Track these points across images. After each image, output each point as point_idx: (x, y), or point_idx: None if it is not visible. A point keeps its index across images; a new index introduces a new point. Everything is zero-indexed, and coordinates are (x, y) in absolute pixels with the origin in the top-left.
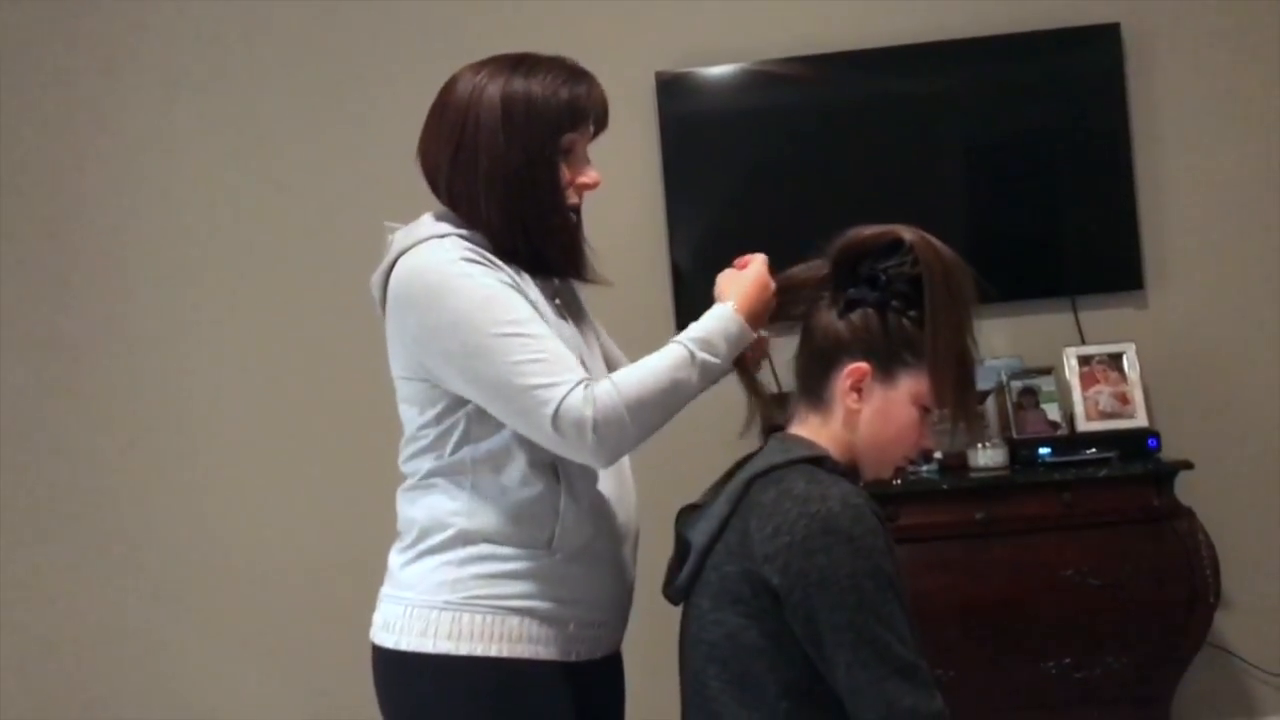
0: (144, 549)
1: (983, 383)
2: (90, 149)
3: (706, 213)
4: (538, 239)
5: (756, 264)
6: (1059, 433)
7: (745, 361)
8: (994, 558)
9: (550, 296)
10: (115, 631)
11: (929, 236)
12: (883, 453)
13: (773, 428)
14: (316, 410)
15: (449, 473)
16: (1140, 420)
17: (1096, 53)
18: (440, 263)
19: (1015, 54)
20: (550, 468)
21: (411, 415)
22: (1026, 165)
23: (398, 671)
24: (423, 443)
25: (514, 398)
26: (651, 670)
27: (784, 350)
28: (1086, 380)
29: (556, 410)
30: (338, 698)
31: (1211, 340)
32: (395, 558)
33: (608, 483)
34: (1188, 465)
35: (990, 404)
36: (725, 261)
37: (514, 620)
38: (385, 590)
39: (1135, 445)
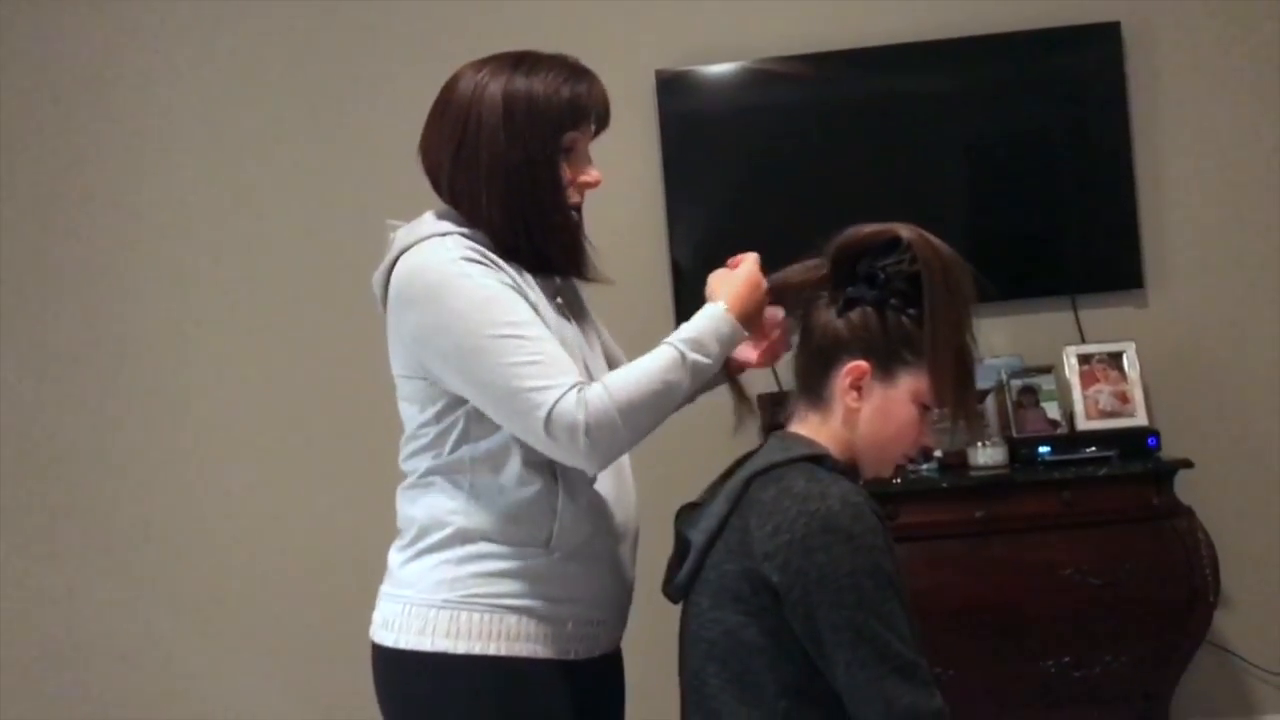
0: (144, 548)
1: (982, 381)
2: (89, 148)
3: (706, 211)
4: (539, 237)
5: (748, 263)
6: (1059, 431)
7: (731, 367)
8: (994, 556)
9: (552, 296)
10: (115, 631)
11: (927, 234)
12: (882, 451)
13: (772, 426)
14: (317, 409)
15: (448, 471)
16: (1140, 419)
17: (1097, 51)
18: (440, 262)
19: (1015, 52)
20: (548, 467)
21: (411, 413)
22: (1026, 164)
23: (396, 670)
24: (422, 441)
25: (508, 399)
26: (651, 668)
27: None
28: (1086, 379)
29: (549, 414)
30: (337, 696)
31: (1211, 339)
32: (394, 556)
33: (606, 481)
34: (1187, 464)
35: (990, 403)
36: (725, 259)
37: (512, 619)
38: (384, 588)
39: (1135, 444)
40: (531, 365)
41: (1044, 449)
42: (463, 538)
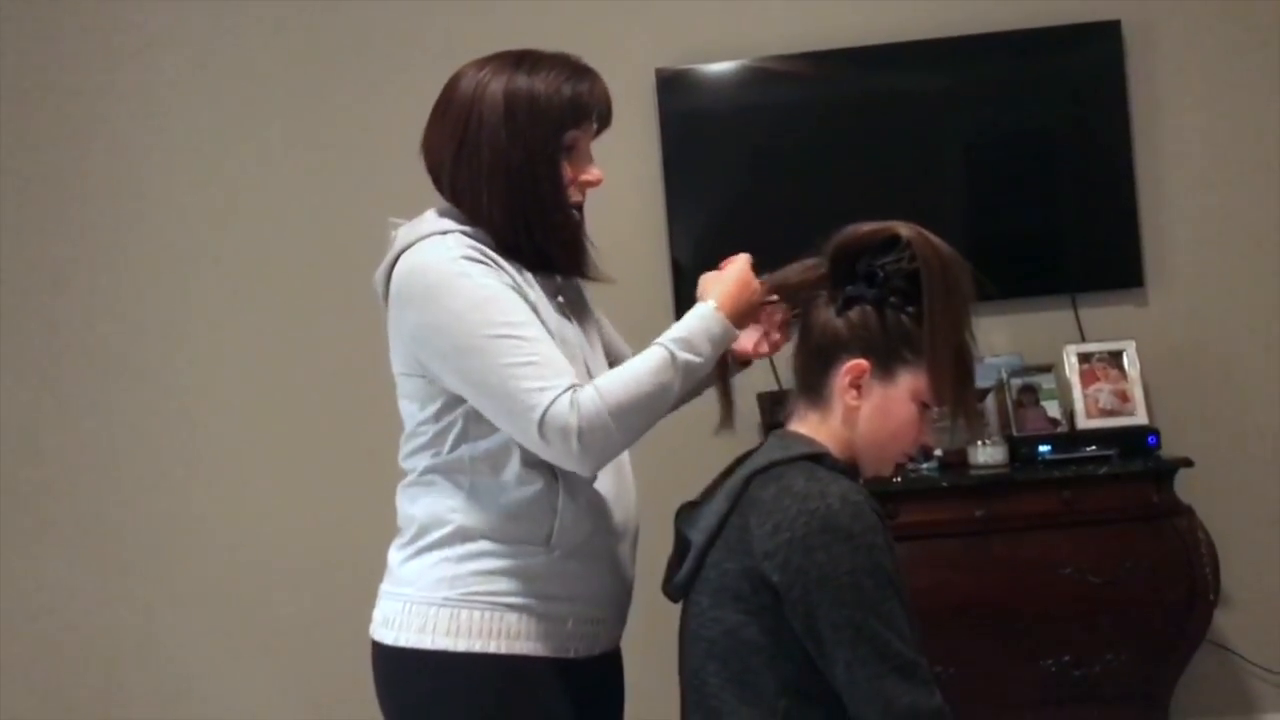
0: (143, 547)
1: (983, 380)
2: (90, 148)
3: (707, 209)
4: (540, 236)
5: (738, 263)
6: (1059, 430)
7: (724, 368)
8: (994, 555)
9: (553, 295)
10: (115, 630)
11: (926, 232)
12: (882, 450)
13: (772, 425)
14: (317, 407)
15: (447, 470)
16: (1140, 418)
17: (1097, 50)
18: (440, 261)
19: (1016, 51)
20: (548, 466)
21: (411, 411)
22: (1027, 162)
23: (397, 668)
24: (421, 439)
25: (503, 400)
26: (651, 667)
27: (785, 348)
28: (1086, 378)
29: (543, 416)
30: (337, 694)
31: (1211, 338)
32: (394, 554)
33: (606, 480)
34: (1187, 463)
35: (990, 401)
36: (725, 257)
37: (512, 617)
38: (384, 587)
39: (1135, 443)
40: (527, 366)
41: (1044, 448)
42: (463, 536)
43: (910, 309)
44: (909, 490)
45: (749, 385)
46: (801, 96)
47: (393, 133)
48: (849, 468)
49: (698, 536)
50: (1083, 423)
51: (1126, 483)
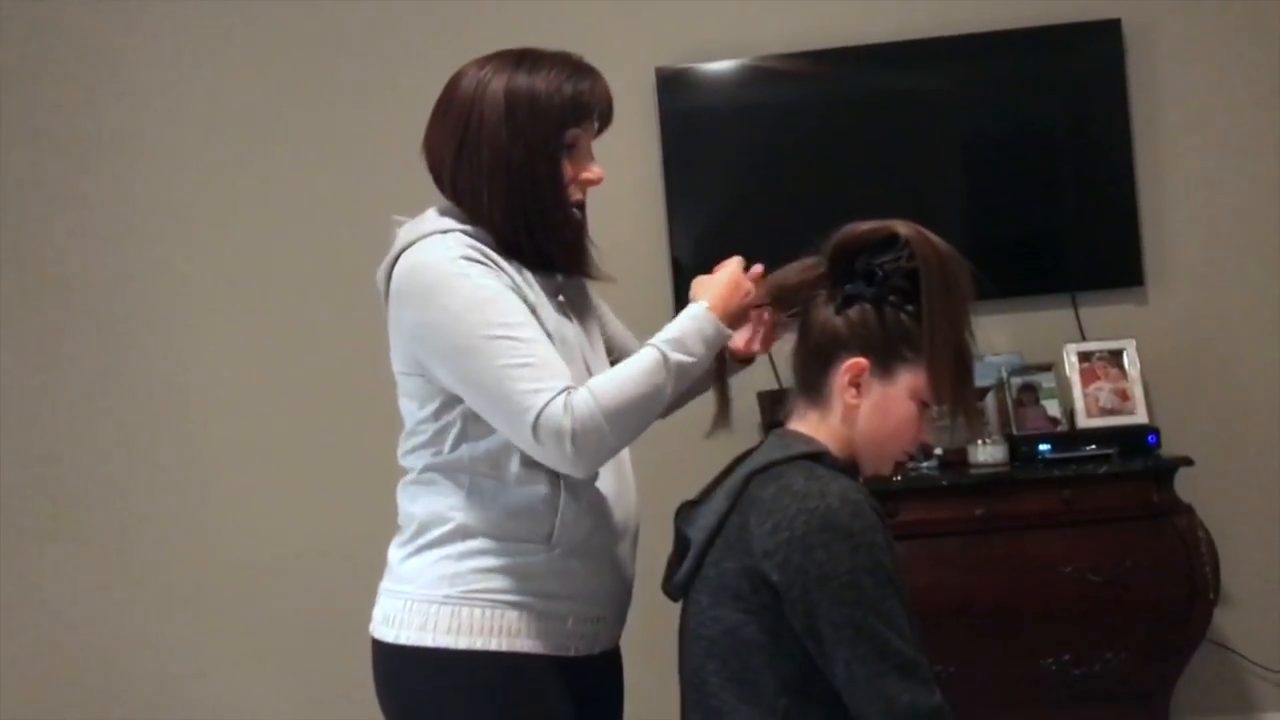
0: (142, 545)
1: (983, 379)
2: (90, 148)
3: (707, 208)
4: (540, 235)
5: (730, 265)
6: (1059, 429)
7: (722, 368)
8: (994, 554)
9: (553, 294)
10: (115, 630)
11: (925, 230)
12: (882, 448)
13: (772, 423)
14: (316, 406)
15: (447, 469)
16: (1140, 417)
17: (1097, 48)
18: (439, 260)
19: (1016, 50)
20: None
21: (411, 410)
22: (1027, 161)
23: (397, 666)
24: (421, 438)
25: (498, 401)
26: (651, 666)
27: (784, 345)
28: (1087, 377)
29: (537, 419)
30: (337, 692)
31: (1211, 337)
32: (395, 552)
33: (607, 479)
34: (1187, 462)
35: (990, 400)
36: (725, 258)
37: (512, 614)
38: (385, 585)
39: (1135, 442)
40: (523, 368)
41: (1044, 447)
42: (463, 534)
43: (909, 307)
44: (909, 489)
45: (749, 384)
46: (802, 95)
47: (394, 132)
48: (848, 466)
49: (697, 535)
50: (1083, 422)
51: (1126, 482)
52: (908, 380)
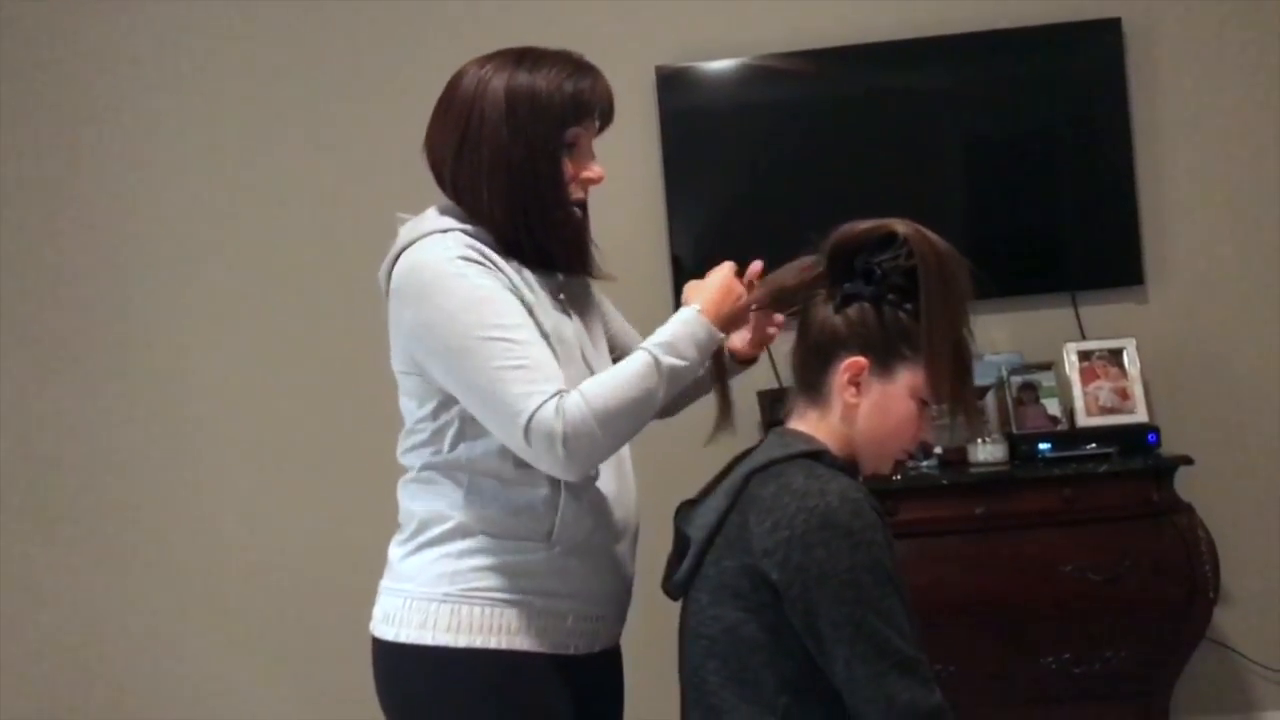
0: (143, 545)
1: (983, 378)
2: (90, 146)
3: (707, 207)
4: (540, 233)
5: (721, 269)
6: (1059, 428)
7: (723, 372)
8: (994, 553)
9: (554, 292)
10: (115, 629)
11: (923, 229)
12: (881, 447)
13: (772, 422)
14: (316, 404)
15: (447, 467)
16: (1140, 415)
17: (1098, 48)
18: (437, 260)
19: (1016, 49)
20: None
21: (410, 408)
22: (1027, 160)
23: (397, 663)
24: (420, 436)
25: (490, 402)
26: (651, 665)
27: (783, 344)
28: (1087, 375)
29: (528, 422)
30: (337, 691)
31: (1211, 336)
32: (395, 550)
33: (608, 479)
34: (1187, 460)
35: (990, 399)
36: (725, 256)
37: (512, 613)
38: (385, 583)
39: (1135, 440)
40: (516, 370)
41: (1044, 445)
42: (463, 532)
43: (908, 306)
44: (909, 488)
45: (749, 383)
46: (802, 94)
47: (395, 131)
48: (848, 465)
49: (697, 534)
50: (1083, 420)
51: (1126, 480)
52: (907, 379)
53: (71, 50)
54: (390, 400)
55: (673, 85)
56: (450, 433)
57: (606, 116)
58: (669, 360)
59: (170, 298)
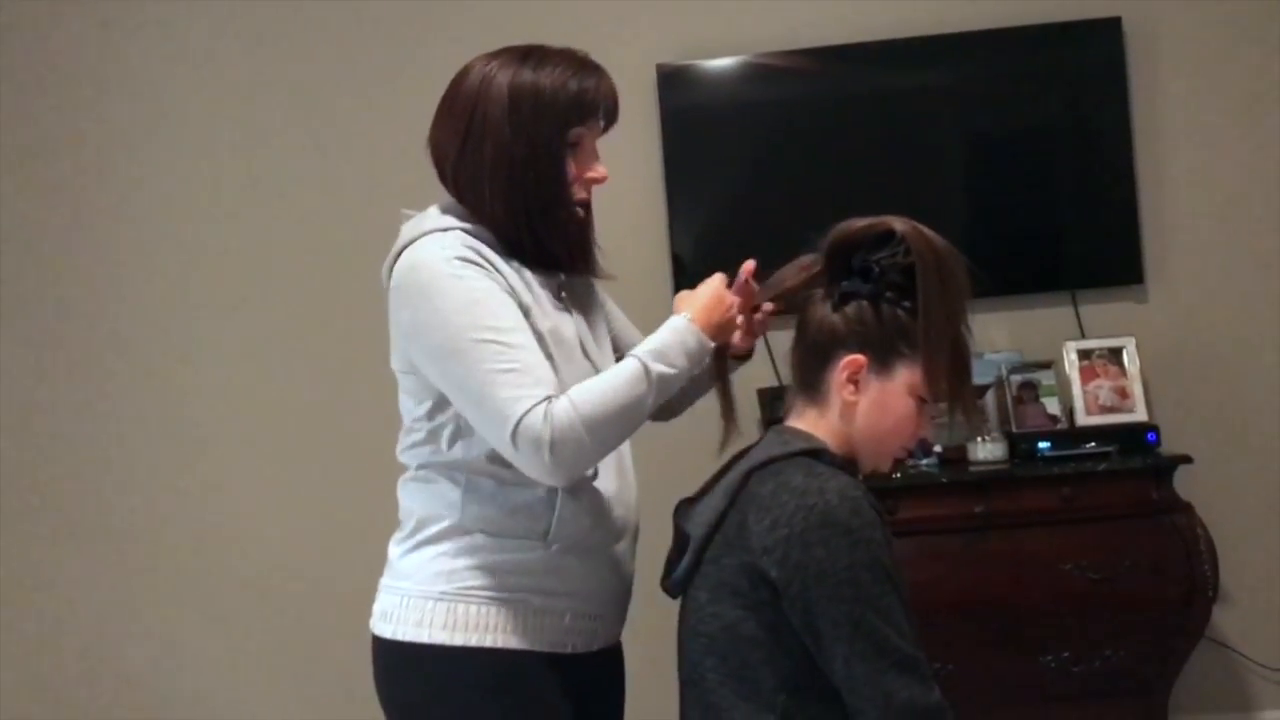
0: (142, 545)
1: (982, 377)
2: (90, 144)
3: (707, 206)
4: (541, 232)
5: (712, 280)
6: (1058, 427)
7: (725, 371)
8: (993, 551)
9: (555, 290)
10: (115, 628)
11: (921, 226)
12: (880, 444)
13: (771, 420)
14: (316, 403)
15: (444, 466)
16: (1140, 414)
17: (1098, 47)
18: (435, 260)
19: (1016, 48)
20: None
21: (409, 407)
22: (1027, 159)
23: (395, 661)
24: (418, 435)
25: (479, 405)
26: (651, 663)
27: (783, 344)
28: (1086, 374)
29: (516, 426)
30: (337, 688)
31: (1211, 335)
32: (394, 548)
33: (607, 477)
34: (1187, 460)
35: (990, 398)
36: (726, 255)
37: (510, 611)
38: (384, 580)
39: (1134, 439)
40: (507, 374)
41: (1044, 444)
42: (461, 530)
43: (906, 303)
44: (908, 486)
45: (749, 381)
46: (802, 93)
47: (396, 129)
48: (847, 463)
49: (696, 532)
50: (1082, 419)
51: (1126, 479)
52: (906, 376)
53: (71, 50)
54: (390, 399)
55: (673, 83)
56: (447, 432)
57: (611, 116)
58: (659, 368)
59: (170, 298)
